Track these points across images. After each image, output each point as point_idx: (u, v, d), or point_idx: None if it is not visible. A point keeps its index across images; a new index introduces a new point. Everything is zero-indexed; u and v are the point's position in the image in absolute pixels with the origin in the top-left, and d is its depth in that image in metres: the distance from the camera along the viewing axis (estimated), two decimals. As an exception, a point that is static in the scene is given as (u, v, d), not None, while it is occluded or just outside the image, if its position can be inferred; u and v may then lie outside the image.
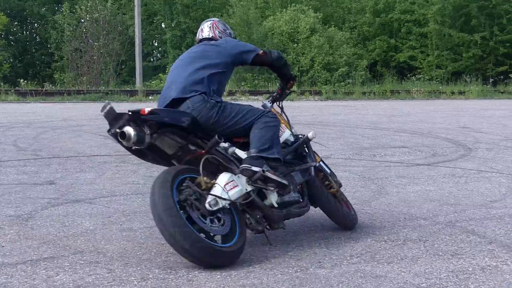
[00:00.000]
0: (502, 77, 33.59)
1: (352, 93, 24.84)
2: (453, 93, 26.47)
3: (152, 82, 28.03)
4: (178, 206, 3.04)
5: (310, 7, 32.64)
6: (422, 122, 12.62)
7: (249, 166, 3.31)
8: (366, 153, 7.76)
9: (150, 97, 21.00)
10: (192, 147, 3.36)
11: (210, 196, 3.15)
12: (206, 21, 4.04)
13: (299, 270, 3.12)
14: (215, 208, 3.15)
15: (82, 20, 27.35)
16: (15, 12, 38.97)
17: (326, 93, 23.91)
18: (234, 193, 3.24)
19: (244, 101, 20.74)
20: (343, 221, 3.92)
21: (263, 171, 3.31)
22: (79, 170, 6.09)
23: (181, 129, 3.26)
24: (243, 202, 3.34)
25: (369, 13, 37.25)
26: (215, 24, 3.96)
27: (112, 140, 3.84)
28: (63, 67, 29.77)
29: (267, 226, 3.49)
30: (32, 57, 39.81)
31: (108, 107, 3.19)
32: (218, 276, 3.00)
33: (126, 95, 20.98)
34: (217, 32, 3.91)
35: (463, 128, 11.26)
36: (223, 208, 3.20)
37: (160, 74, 29.60)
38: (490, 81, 32.26)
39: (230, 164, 3.38)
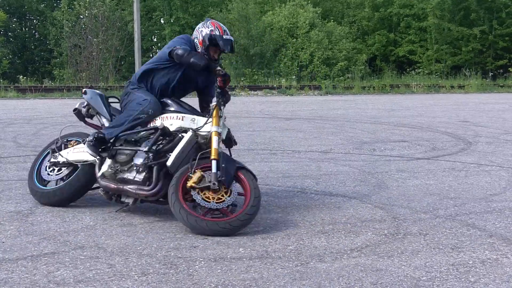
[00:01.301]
0: (501, 71, 33.50)
1: (351, 87, 24.79)
2: (452, 87, 26.44)
3: (151, 77, 27.92)
4: None
5: (309, 2, 32.57)
6: (421, 116, 12.61)
7: None
8: (366, 147, 7.76)
9: (149, 93, 20.93)
10: None
11: None
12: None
13: (299, 264, 3.12)
14: None
15: (81, 16, 27.26)
16: (14, 8, 38.89)
17: (325, 87, 23.88)
18: None
19: (244, 96, 20.74)
20: None
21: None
22: (79, 166, 6.07)
23: None
24: None
25: (368, 7, 37.18)
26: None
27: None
28: (62, 63, 29.70)
29: None
30: (31, 54, 39.71)
31: None
32: (219, 271, 3.00)
33: (126, 91, 20.93)
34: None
35: (462, 122, 11.26)
36: None
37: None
38: (490, 75, 32.16)
39: None
